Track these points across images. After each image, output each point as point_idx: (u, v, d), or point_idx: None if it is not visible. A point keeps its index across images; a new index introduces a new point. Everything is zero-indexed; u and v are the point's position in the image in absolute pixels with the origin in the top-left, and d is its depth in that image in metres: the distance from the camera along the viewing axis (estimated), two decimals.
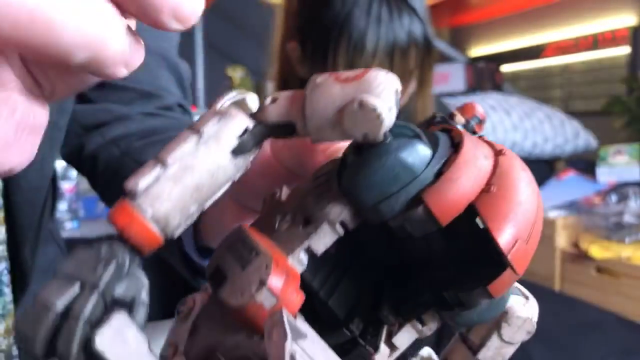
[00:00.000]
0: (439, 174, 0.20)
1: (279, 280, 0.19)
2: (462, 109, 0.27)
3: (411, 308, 0.23)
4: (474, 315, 0.22)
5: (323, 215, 0.21)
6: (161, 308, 0.80)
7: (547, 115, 2.11)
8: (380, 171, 0.20)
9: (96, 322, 0.17)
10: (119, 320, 0.17)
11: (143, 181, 0.19)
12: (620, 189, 1.81)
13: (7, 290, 0.48)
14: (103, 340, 0.16)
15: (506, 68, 2.75)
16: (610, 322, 1.38)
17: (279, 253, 0.21)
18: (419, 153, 0.20)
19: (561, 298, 1.65)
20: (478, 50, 2.92)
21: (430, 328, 0.23)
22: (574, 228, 1.83)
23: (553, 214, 1.85)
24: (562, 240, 1.83)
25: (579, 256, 1.76)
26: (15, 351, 0.51)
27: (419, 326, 0.23)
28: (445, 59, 2.50)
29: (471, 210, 0.20)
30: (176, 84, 0.63)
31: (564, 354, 1.24)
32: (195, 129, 0.20)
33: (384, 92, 0.19)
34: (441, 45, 2.44)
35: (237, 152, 0.20)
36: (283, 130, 0.21)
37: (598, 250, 1.70)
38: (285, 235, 0.22)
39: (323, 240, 0.21)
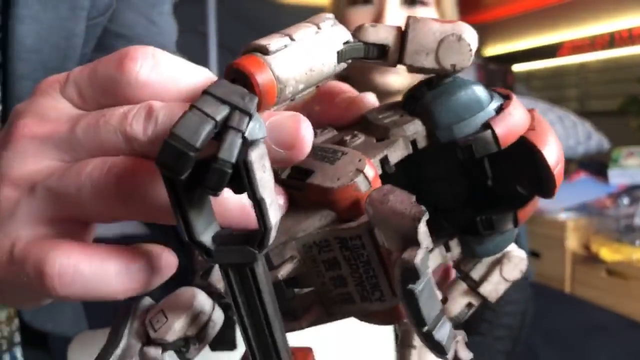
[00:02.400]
0: (499, 110, 0.25)
1: (372, 171, 0.23)
2: None
3: (443, 232, 0.27)
4: (490, 246, 0.27)
5: (399, 131, 0.25)
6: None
7: (558, 117, 2.10)
8: (458, 99, 0.25)
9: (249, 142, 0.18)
10: (262, 149, 0.18)
11: (274, 44, 0.21)
12: (632, 192, 1.80)
13: None
14: (254, 155, 0.18)
15: (521, 67, 2.73)
16: (620, 324, 1.38)
17: (362, 153, 0.24)
18: (484, 92, 0.25)
19: (571, 300, 1.64)
20: (492, 49, 2.90)
21: (453, 255, 0.27)
22: (585, 230, 1.83)
23: (564, 216, 1.84)
24: (572, 242, 1.83)
25: (590, 258, 1.76)
26: (17, 338, 0.53)
27: (444, 251, 0.27)
28: None
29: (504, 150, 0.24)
30: None
31: (572, 355, 1.23)
32: (313, 22, 0.24)
33: (473, 38, 0.25)
34: None
35: (339, 55, 0.24)
36: (377, 50, 0.25)
37: (608, 253, 1.69)
38: (361, 147, 0.26)
39: (396, 152, 0.25)
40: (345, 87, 0.29)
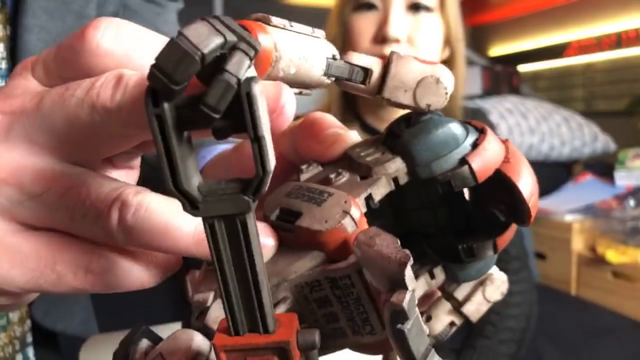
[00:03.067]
0: (475, 145, 0.26)
1: (357, 212, 0.24)
2: None
3: (427, 259, 0.28)
4: (472, 272, 0.28)
5: (382, 169, 0.26)
6: (173, 312, 0.82)
7: (564, 118, 2.10)
8: (435, 137, 0.26)
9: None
10: (262, 87, 0.17)
11: (275, 20, 0.22)
12: (639, 193, 1.79)
13: None
14: (257, 88, 0.17)
15: (527, 68, 2.72)
16: (625, 326, 1.37)
17: (348, 194, 0.25)
18: (460, 128, 0.26)
19: (577, 302, 1.64)
20: (498, 49, 2.89)
21: (438, 282, 0.28)
22: (591, 232, 1.82)
23: (569, 218, 1.84)
24: (578, 244, 1.82)
25: (595, 260, 1.75)
26: (29, 338, 0.53)
27: (429, 278, 0.28)
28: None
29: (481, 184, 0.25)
30: None
31: (578, 358, 1.23)
32: (308, 27, 0.25)
33: (450, 82, 0.26)
34: None
35: (327, 66, 0.25)
36: (361, 73, 0.26)
37: (614, 255, 1.68)
38: (347, 185, 0.26)
39: (380, 190, 0.26)
40: (330, 121, 0.29)
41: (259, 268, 0.19)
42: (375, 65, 0.26)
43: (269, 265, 0.24)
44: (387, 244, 0.21)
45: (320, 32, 0.25)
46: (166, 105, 0.17)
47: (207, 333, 0.24)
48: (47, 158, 0.23)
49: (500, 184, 0.26)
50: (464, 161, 0.25)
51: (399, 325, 0.19)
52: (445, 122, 0.26)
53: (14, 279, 0.23)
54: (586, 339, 1.30)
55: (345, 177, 0.27)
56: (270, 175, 0.17)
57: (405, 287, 0.20)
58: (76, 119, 0.21)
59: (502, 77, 2.48)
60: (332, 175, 0.27)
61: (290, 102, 0.22)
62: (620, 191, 1.91)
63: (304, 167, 0.29)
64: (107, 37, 0.22)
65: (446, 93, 0.26)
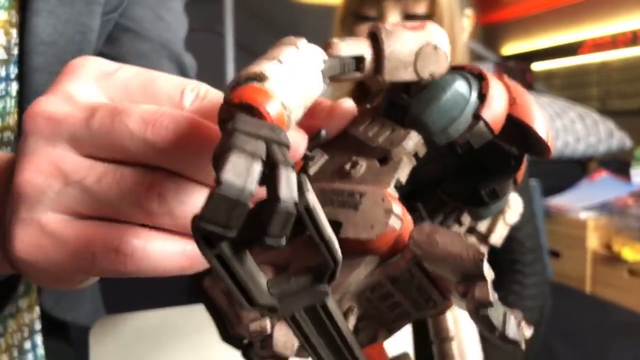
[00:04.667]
0: (481, 95, 0.25)
1: (398, 207, 0.23)
2: None
3: (448, 212, 0.29)
4: (494, 208, 0.29)
5: (401, 150, 0.25)
6: (190, 295, 0.82)
7: (579, 115, 2.08)
8: (446, 102, 0.25)
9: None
10: (308, 182, 0.17)
11: (268, 70, 0.20)
12: None
13: None
14: (311, 199, 0.17)
15: (541, 66, 2.71)
16: None
17: (379, 188, 0.24)
18: (463, 83, 0.26)
19: (592, 300, 1.62)
20: (511, 48, 2.88)
21: (466, 226, 0.29)
22: (606, 229, 1.80)
23: (585, 215, 1.82)
24: (593, 242, 1.80)
25: (611, 258, 1.73)
26: (37, 326, 0.54)
27: (458, 226, 0.29)
28: (475, 58, 2.48)
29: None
30: (177, 74, 0.64)
31: (593, 356, 1.22)
32: (289, 43, 0.23)
33: (446, 44, 0.25)
34: (472, 44, 2.42)
35: (322, 74, 0.23)
36: (353, 63, 0.25)
37: (630, 253, 1.66)
38: (369, 175, 0.26)
39: (404, 171, 0.26)
40: (320, 99, 0.29)
41: (346, 334, 0.21)
42: (365, 50, 0.25)
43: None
44: (451, 240, 0.21)
45: (302, 40, 0.23)
46: (224, 246, 0.16)
47: (278, 358, 0.24)
48: (85, 157, 0.24)
49: (508, 122, 0.26)
50: (477, 116, 0.25)
51: (484, 312, 0.20)
52: (449, 82, 0.26)
53: (59, 262, 0.24)
54: (601, 337, 1.28)
55: (362, 165, 0.26)
56: (341, 263, 0.18)
57: (485, 280, 0.20)
58: (122, 145, 0.23)
59: (515, 74, 2.47)
60: (348, 167, 0.26)
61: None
62: (636, 188, 1.89)
63: (310, 158, 0.28)
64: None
65: (446, 57, 0.25)
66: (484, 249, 0.31)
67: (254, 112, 0.19)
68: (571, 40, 2.57)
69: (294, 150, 0.25)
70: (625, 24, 2.35)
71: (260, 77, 0.20)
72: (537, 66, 2.68)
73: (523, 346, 0.21)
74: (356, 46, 0.24)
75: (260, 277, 0.17)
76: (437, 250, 0.21)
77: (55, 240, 0.24)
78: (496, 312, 0.21)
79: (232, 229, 0.15)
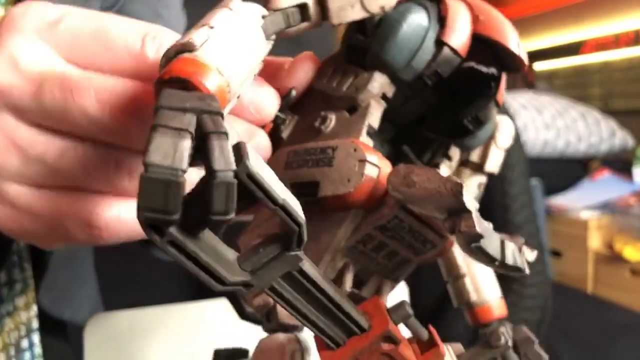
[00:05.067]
0: (441, 19, 0.24)
1: (372, 154, 0.23)
2: None
3: (436, 149, 0.28)
4: (483, 135, 0.27)
5: (367, 94, 0.24)
6: (190, 290, 0.82)
7: (581, 114, 2.07)
8: (403, 34, 0.24)
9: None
10: (250, 149, 0.16)
11: (197, 37, 0.19)
12: None
13: (28, 266, 0.50)
14: (252, 159, 0.16)
15: (543, 66, 2.70)
16: None
17: (350, 139, 0.23)
18: (420, 11, 0.24)
19: (594, 300, 1.61)
20: None
21: (456, 160, 0.28)
22: (608, 229, 1.80)
23: (586, 215, 1.82)
24: (595, 241, 1.80)
25: (613, 258, 1.73)
26: (35, 324, 0.53)
27: (448, 162, 0.28)
28: None
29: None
30: None
31: (595, 357, 1.21)
32: (222, 5, 0.21)
33: None
34: None
35: (264, 32, 0.22)
36: (297, 13, 0.23)
37: (632, 252, 1.66)
38: (339, 127, 0.25)
39: (375, 116, 0.25)
40: (271, 58, 0.28)
41: (332, 293, 0.20)
42: None
43: (313, 245, 0.23)
44: (428, 177, 0.20)
45: (235, 1, 0.21)
46: (173, 230, 0.15)
47: (286, 328, 0.24)
48: (37, 128, 0.23)
49: (475, 40, 0.25)
50: (440, 43, 0.24)
51: (476, 244, 0.19)
52: (404, 13, 0.24)
53: (35, 233, 0.24)
54: (603, 337, 1.28)
55: (332, 119, 0.25)
56: (305, 224, 0.17)
57: (469, 211, 0.19)
58: (77, 124, 0.22)
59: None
60: (317, 123, 0.25)
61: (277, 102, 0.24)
62: (638, 188, 1.89)
63: (282, 121, 0.27)
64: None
65: None
66: (473, 185, 0.30)
67: (188, 85, 0.18)
68: (573, 40, 2.57)
69: (265, 109, 0.24)
70: (628, 24, 2.34)
71: (190, 47, 0.19)
72: (539, 66, 2.67)
73: (527, 271, 0.21)
74: None
75: (227, 255, 0.17)
76: (415, 190, 0.21)
77: (26, 213, 0.23)
78: (490, 242, 0.20)
79: (173, 213, 0.14)
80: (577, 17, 2.53)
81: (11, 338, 0.51)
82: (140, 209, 0.14)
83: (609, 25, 2.41)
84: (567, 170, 2.05)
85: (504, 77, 0.26)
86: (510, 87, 2.37)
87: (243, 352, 0.28)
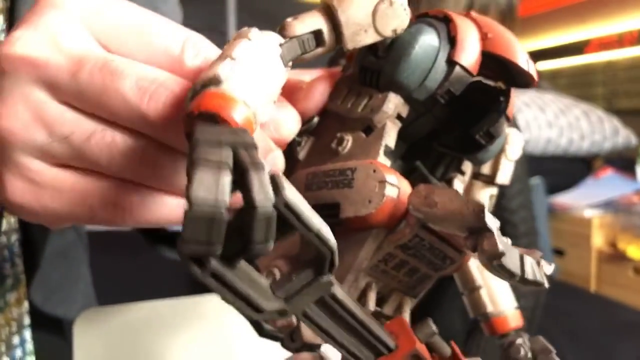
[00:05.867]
0: (451, 39, 0.25)
1: (391, 175, 0.23)
2: None
3: (448, 164, 0.29)
4: (494, 148, 0.28)
5: (382, 115, 0.25)
6: (186, 287, 0.82)
7: (584, 112, 2.06)
8: (415, 55, 0.24)
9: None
10: (284, 178, 0.16)
11: (222, 71, 0.19)
12: None
13: (19, 261, 0.50)
14: (287, 189, 0.16)
15: (546, 65, 2.69)
16: None
17: (368, 160, 0.24)
18: (430, 32, 0.25)
19: (597, 299, 1.61)
20: None
21: (469, 174, 0.29)
22: (612, 227, 1.79)
23: (589, 213, 1.81)
24: (598, 240, 1.79)
25: (616, 256, 1.72)
26: (26, 321, 0.53)
27: (461, 176, 0.28)
28: None
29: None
30: None
31: (598, 356, 1.21)
32: (240, 37, 0.22)
33: None
34: None
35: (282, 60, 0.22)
36: (312, 39, 0.24)
37: (636, 251, 1.65)
38: (357, 148, 0.25)
39: (391, 136, 0.25)
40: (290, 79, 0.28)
41: (360, 315, 0.20)
42: (320, 23, 0.24)
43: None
44: (450, 198, 0.21)
45: (253, 31, 0.22)
46: (214, 262, 0.15)
47: (311, 347, 0.24)
48: (67, 107, 0.23)
49: (484, 57, 0.25)
50: (451, 62, 0.25)
51: (497, 262, 0.20)
52: (415, 34, 0.25)
53: (55, 210, 0.24)
54: (606, 336, 1.27)
55: (349, 140, 0.26)
56: (337, 250, 0.17)
57: (491, 231, 0.20)
58: (112, 109, 0.22)
59: None
60: (334, 144, 0.26)
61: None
62: None
63: (298, 142, 0.28)
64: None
65: (405, 10, 0.24)
66: (485, 197, 0.31)
67: (217, 119, 0.18)
68: (577, 39, 2.56)
69: (285, 130, 0.24)
70: (632, 23, 2.33)
71: (216, 81, 0.19)
72: (542, 65, 2.67)
73: (546, 284, 0.21)
74: (311, 21, 0.23)
75: (261, 283, 0.17)
76: (437, 210, 0.21)
77: (48, 189, 0.23)
78: (511, 258, 0.20)
79: (215, 246, 0.15)
80: (581, 17, 2.53)
81: (2, 334, 0.51)
82: (184, 242, 0.14)
83: (613, 25, 2.41)
84: (570, 169, 2.04)
85: (513, 92, 0.26)
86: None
87: None
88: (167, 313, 0.58)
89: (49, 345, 0.58)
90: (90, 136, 0.22)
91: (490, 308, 0.30)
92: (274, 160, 0.25)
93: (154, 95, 0.21)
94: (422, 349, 0.21)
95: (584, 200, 1.87)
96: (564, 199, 1.91)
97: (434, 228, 0.22)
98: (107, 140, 0.22)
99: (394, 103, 0.25)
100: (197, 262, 0.15)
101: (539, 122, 1.93)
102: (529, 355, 0.29)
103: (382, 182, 0.22)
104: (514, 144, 0.30)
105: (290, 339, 0.24)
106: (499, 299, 0.31)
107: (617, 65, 2.44)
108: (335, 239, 0.23)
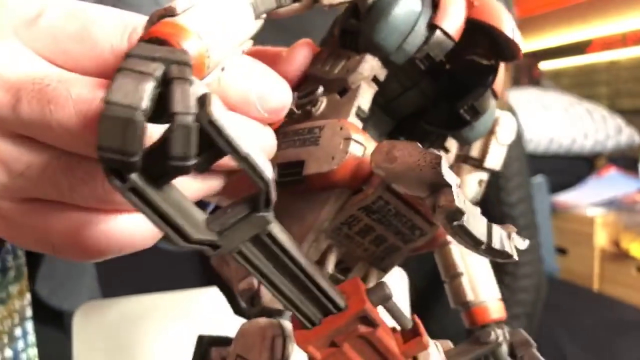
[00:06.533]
0: (434, 4, 0.24)
1: (358, 133, 0.22)
2: None
3: (433, 142, 0.28)
4: (481, 127, 0.27)
5: (357, 76, 0.24)
6: (200, 277, 0.82)
7: (587, 111, 2.06)
8: (395, 17, 0.24)
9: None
10: (217, 99, 0.16)
11: (180, 4, 0.19)
12: None
13: (21, 253, 0.50)
14: (216, 107, 0.15)
15: (549, 65, 2.69)
16: None
17: (338, 120, 0.23)
18: None
19: (600, 298, 1.60)
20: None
21: (454, 153, 0.28)
22: (615, 226, 1.78)
23: (592, 212, 1.80)
24: (601, 238, 1.78)
25: (619, 255, 1.71)
26: (29, 312, 0.53)
27: (445, 153, 0.28)
28: None
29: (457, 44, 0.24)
30: None
31: (601, 354, 1.21)
32: None
33: None
34: None
35: (253, 9, 0.22)
36: None
37: (639, 249, 1.64)
38: (329, 109, 0.25)
39: (365, 98, 0.24)
40: (269, 48, 0.27)
41: (304, 264, 0.19)
42: None
43: (298, 225, 0.23)
44: (409, 152, 0.20)
45: None
46: (134, 176, 0.15)
47: (270, 313, 0.24)
48: (20, 139, 0.21)
49: (472, 29, 0.25)
50: (433, 27, 0.24)
51: (457, 223, 0.19)
52: None
53: (26, 245, 0.23)
54: (609, 335, 1.27)
55: (322, 101, 0.25)
56: (273, 182, 0.16)
57: (448, 185, 0.19)
58: (58, 138, 0.20)
59: (522, 69, 2.45)
60: (309, 107, 0.25)
61: (290, 97, 0.22)
62: None
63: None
64: None
65: None
66: (473, 182, 0.30)
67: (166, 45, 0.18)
68: (580, 39, 2.56)
69: (273, 105, 0.22)
70: (635, 22, 2.33)
71: (171, 12, 0.19)
72: (545, 65, 2.66)
73: (516, 257, 0.20)
74: None
75: (193, 213, 0.16)
76: (397, 166, 0.20)
77: (13, 226, 0.22)
78: (475, 222, 0.19)
79: (132, 154, 0.14)
80: (584, 16, 2.52)
81: (4, 326, 0.51)
82: (98, 149, 0.14)
83: (616, 24, 2.40)
84: (573, 167, 2.04)
85: (501, 68, 0.26)
86: (515, 83, 2.36)
87: (226, 340, 0.27)
88: (167, 306, 0.58)
89: (50, 338, 0.58)
90: (46, 166, 0.21)
91: (470, 297, 0.29)
92: (263, 141, 0.23)
93: (94, 117, 0.19)
94: (372, 310, 0.20)
95: (586, 199, 1.86)
96: (566, 197, 1.91)
97: (397, 190, 0.21)
98: (63, 167, 0.21)
99: (370, 64, 0.24)
100: (119, 175, 0.15)
101: (542, 120, 1.93)
102: (500, 340, 0.28)
103: (347, 139, 0.22)
104: (504, 127, 0.29)
105: (251, 304, 0.24)
106: (480, 287, 0.30)
107: (620, 65, 2.43)
108: (299, 198, 0.23)
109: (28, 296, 0.55)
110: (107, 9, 0.22)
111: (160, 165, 0.15)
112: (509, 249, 0.20)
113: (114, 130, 0.14)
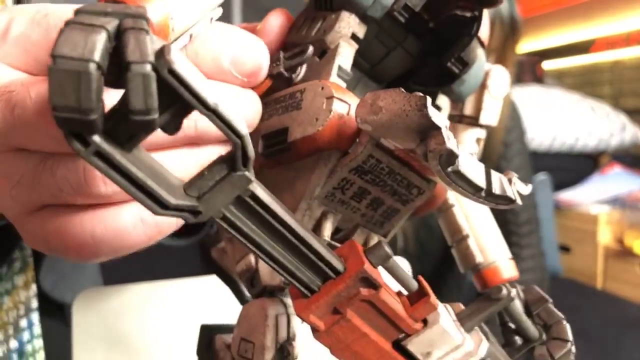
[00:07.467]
0: None
1: (342, 92, 0.21)
2: None
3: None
4: (472, 80, 0.26)
5: (335, 35, 0.23)
6: (201, 265, 0.82)
7: (591, 108, 2.05)
8: None
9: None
10: (177, 52, 0.14)
11: None
12: None
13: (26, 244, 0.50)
14: (177, 57, 0.14)
15: (552, 64, 2.68)
16: None
17: (319, 80, 0.22)
18: None
19: (603, 296, 1.60)
20: (523, 46, 2.85)
21: (447, 111, 0.27)
22: (619, 224, 1.77)
23: (596, 209, 1.80)
24: (605, 236, 1.78)
25: (623, 253, 1.70)
26: (34, 304, 0.53)
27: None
28: None
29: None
30: None
31: (605, 352, 1.20)
32: None
33: None
34: None
35: None
36: None
37: None
38: (310, 73, 0.24)
39: (345, 57, 0.23)
40: (244, 24, 0.27)
41: (295, 226, 0.18)
42: None
43: (289, 194, 0.22)
44: (393, 99, 0.19)
45: None
46: (97, 138, 0.13)
47: (271, 292, 0.23)
48: (10, 153, 0.21)
49: None
50: None
51: (452, 168, 0.18)
52: None
53: (47, 250, 0.23)
54: (613, 333, 1.26)
55: (303, 67, 0.24)
56: (248, 136, 0.15)
57: (437, 127, 0.18)
58: (32, 140, 0.20)
59: (526, 66, 2.44)
60: (289, 74, 0.24)
61: (267, 59, 0.21)
62: None
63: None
64: None
65: None
66: (471, 139, 0.29)
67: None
68: (583, 39, 2.55)
69: (250, 60, 0.21)
70: (638, 22, 2.32)
71: None
72: (548, 64, 2.65)
73: (519, 202, 0.19)
74: None
75: (169, 178, 0.15)
76: (383, 117, 0.19)
77: (27, 234, 0.23)
78: (471, 167, 0.18)
79: (88, 111, 0.13)
80: (587, 16, 2.51)
81: (10, 317, 0.51)
82: (52, 110, 0.13)
83: (620, 24, 2.39)
84: (576, 165, 2.03)
85: (485, 15, 0.25)
86: (519, 80, 2.36)
87: (229, 328, 0.26)
88: (166, 293, 0.58)
89: (57, 330, 0.59)
90: (35, 170, 0.21)
91: (479, 258, 0.28)
92: (246, 106, 0.22)
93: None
94: (372, 271, 0.18)
95: (590, 196, 1.85)
96: (570, 195, 1.90)
97: (387, 146, 0.20)
98: (48, 167, 0.21)
99: (346, 21, 0.23)
100: (79, 138, 0.13)
101: (546, 118, 1.92)
102: (513, 294, 0.26)
103: (330, 98, 0.21)
104: (496, 79, 0.28)
105: (251, 284, 0.23)
106: (488, 248, 0.28)
107: (623, 64, 2.42)
108: (287, 166, 0.22)
109: (34, 287, 0.55)
110: (68, 8, 0.21)
111: (125, 126, 0.14)
112: (511, 193, 0.19)
113: (66, 85, 0.12)
